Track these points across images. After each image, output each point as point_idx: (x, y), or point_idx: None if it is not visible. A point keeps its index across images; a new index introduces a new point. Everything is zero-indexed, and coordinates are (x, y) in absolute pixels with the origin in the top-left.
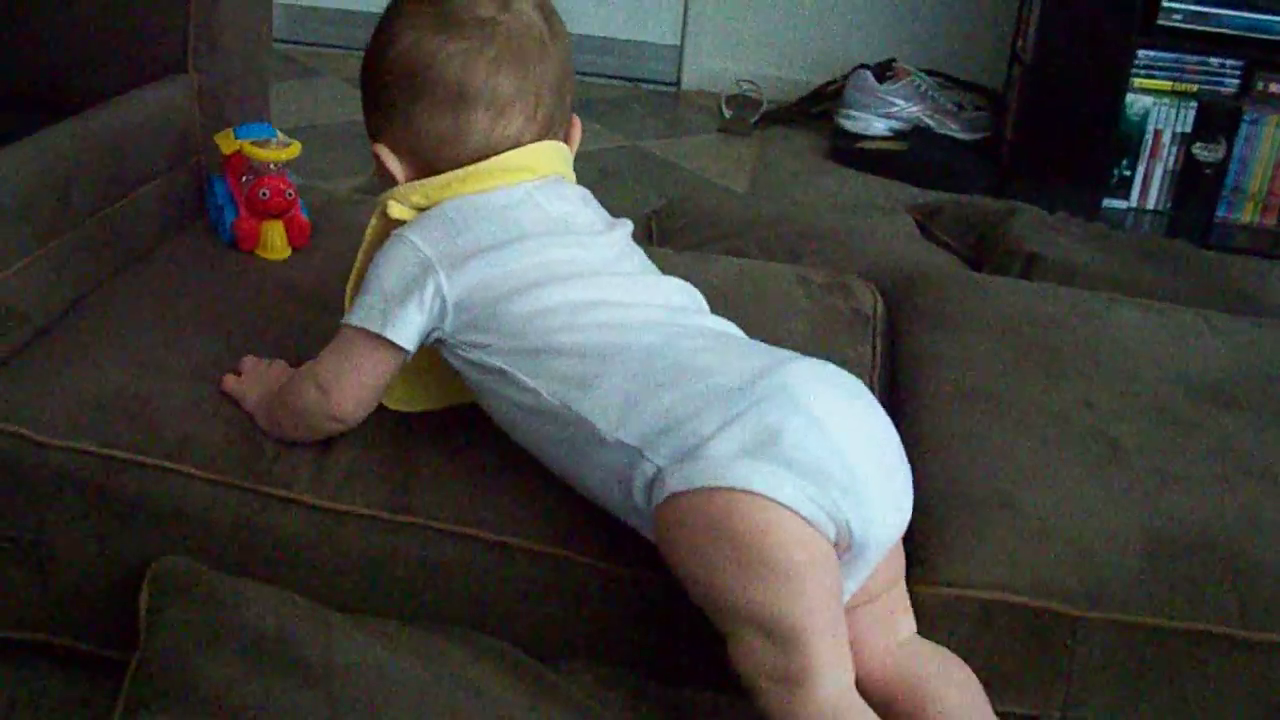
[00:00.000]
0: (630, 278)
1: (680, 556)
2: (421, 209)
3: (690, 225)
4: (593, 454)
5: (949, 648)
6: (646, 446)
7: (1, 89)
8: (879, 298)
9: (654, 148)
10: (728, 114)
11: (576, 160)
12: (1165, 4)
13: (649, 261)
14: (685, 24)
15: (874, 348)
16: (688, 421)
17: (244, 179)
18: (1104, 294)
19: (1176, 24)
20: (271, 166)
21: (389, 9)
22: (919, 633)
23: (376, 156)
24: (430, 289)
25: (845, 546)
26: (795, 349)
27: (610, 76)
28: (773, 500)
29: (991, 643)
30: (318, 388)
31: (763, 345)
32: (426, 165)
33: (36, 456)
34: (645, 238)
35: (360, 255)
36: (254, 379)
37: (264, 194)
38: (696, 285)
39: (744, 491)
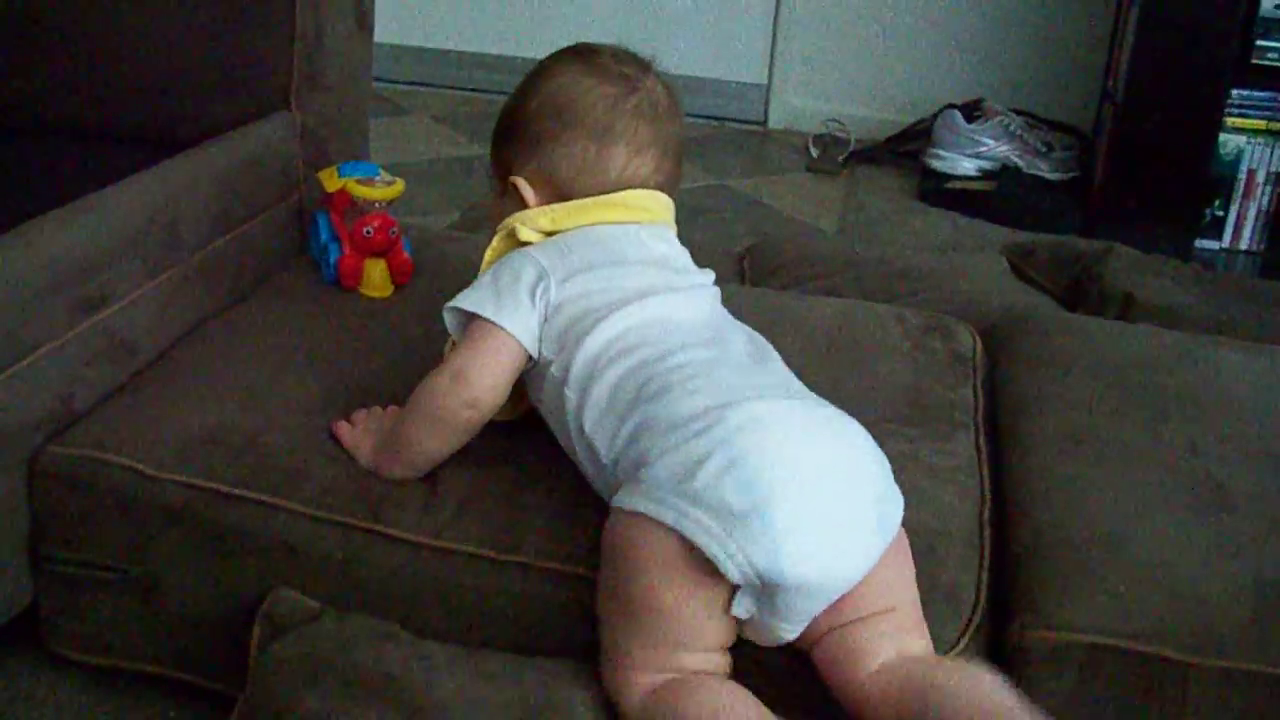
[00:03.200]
0: (705, 323)
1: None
2: (547, 233)
3: (783, 265)
4: (605, 477)
5: (1056, 693)
6: (618, 468)
7: (112, 126)
8: (977, 339)
9: (741, 186)
10: (815, 153)
11: None
12: (1259, 43)
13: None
14: (772, 63)
15: (975, 390)
16: (637, 443)
17: (347, 216)
18: (1205, 336)
19: (1271, 63)
20: (376, 205)
21: (539, 65)
22: (1028, 677)
23: (515, 187)
24: (540, 287)
25: (758, 586)
26: (895, 391)
27: (697, 115)
28: (651, 519)
29: (1100, 689)
30: (451, 377)
31: (773, 378)
32: (560, 194)
33: (146, 489)
34: (737, 277)
35: (482, 274)
36: (368, 429)
37: (368, 231)
38: (796, 324)
39: (632, 513)
